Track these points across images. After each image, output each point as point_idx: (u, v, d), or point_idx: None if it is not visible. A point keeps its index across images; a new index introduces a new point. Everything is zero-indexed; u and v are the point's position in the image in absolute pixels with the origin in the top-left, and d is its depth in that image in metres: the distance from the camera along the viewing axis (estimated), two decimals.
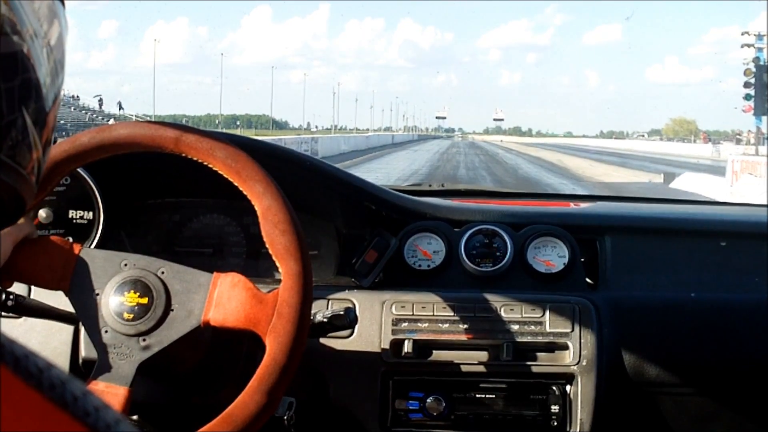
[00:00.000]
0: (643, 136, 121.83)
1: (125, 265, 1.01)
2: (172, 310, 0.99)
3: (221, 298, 0.98)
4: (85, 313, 1.00)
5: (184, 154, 1.01)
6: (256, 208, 0.99)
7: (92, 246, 1.32)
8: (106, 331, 0.98)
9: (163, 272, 1.01)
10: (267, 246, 0.98)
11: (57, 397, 0.30)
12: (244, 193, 0.99)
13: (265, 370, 0.94)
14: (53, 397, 0.30)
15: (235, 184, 0.99)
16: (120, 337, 0.98)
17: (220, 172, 0.99)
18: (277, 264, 0.98)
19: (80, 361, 1.26)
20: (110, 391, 0.95)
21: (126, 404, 0.95)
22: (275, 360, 0.94)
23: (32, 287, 1.28)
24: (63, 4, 0.49)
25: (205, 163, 1.00)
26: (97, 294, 1.00)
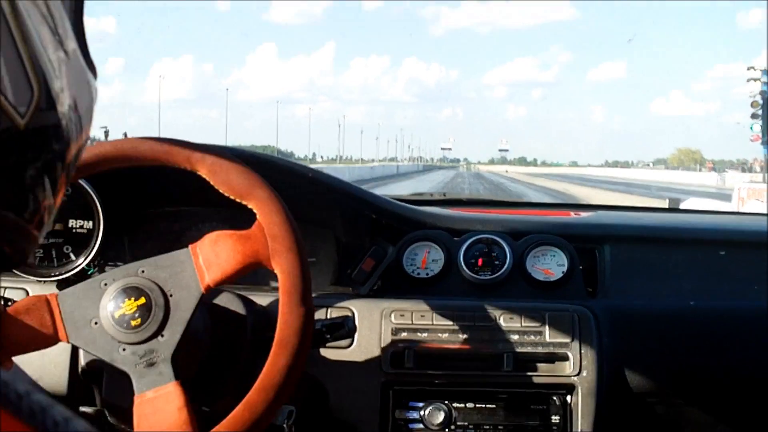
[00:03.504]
0: (648, 165, 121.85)
1: (105, 284, 1.00)
2: (172, 296, 0.99)
3: (209, 260, 0.99)
4: (95, 347, 0.98)
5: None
6: (203, 174, 1.00)
7: (91, 254, 1.33)
8: (124, 349, 0.97)
9: (143, 270, 1.01)
10: (226, 194, 0.99)
11: (38, 424, 0.30)
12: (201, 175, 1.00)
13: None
14: (35, 426, 0.29)
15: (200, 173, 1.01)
16: (140, 347, 0.97)
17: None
18: (244, 202, 0.99)
19: (80, 369, 1.25)
20: (160, 394, 0.94)
21: (184, 395, 0.94)
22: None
23: (29, 292, 1.28)
24: (95, 74, 0.48)
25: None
26: (96, 323, 0.99)
